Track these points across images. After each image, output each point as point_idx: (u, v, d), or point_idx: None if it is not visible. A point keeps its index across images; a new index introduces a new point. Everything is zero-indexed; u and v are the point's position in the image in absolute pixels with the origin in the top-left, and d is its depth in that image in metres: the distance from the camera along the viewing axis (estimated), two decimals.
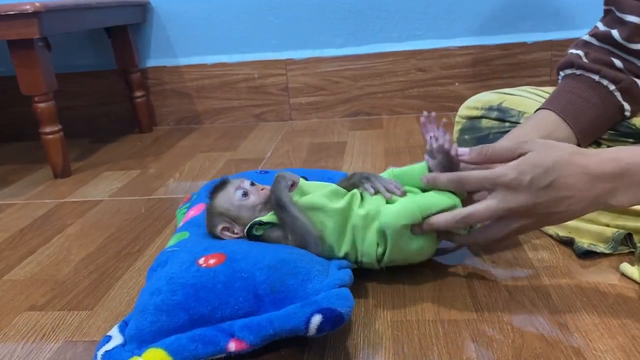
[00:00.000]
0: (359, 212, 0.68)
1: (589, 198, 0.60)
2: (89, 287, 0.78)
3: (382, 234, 0.67)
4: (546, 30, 1.62)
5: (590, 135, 0.85)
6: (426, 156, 0.70)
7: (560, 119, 0.83)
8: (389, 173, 0.75)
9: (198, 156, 1.44)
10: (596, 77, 0.84)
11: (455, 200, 0.67)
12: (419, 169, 0.70)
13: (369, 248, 0.69)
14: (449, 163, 0.68)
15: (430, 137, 0.68)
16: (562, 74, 0.90)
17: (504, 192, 0.62)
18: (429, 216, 0.66)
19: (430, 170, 0.70)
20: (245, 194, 0.71)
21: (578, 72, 0.87)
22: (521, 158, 0.61)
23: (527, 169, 0.60)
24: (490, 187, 0.63)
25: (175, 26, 1.74)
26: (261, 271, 0.60)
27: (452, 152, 0.67)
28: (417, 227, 0.67)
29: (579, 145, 0.84)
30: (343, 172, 1.00)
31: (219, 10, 1.70)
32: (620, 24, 0.83)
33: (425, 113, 0.69)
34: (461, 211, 0.65)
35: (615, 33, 0.83)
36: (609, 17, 0.86)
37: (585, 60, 0.86)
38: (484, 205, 0.63)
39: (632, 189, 0.58)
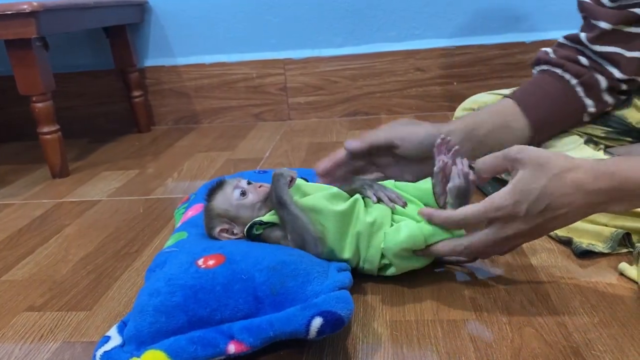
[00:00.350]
0: (365, 219, 0.68)
1: (584, 209, 0.60)
2: (88, 288, 0.78)
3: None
4: (544, 30, 1.62)
5: (546, 129, 0.86)
6: (438, 177, 0.71)
7: (519, 109, 0.84)
8: (390, 182, 0.75)
9: (196, 156, 1.44)
10: (559, 71, 0.86)
11: (459, 231, 0.67)
12: (424, 187, 0.73)
13: (372, 257, 0.69)
14: (466, 187, 0.67)
15: (441, 162, 0.69)
16: (534, 71, 0.93)
17: (501, 223, 0.63)
18: (432, 244, 0.67)
19: (434, 191, 0.71)
20: (243, 193, 0.71)
21: (545, 67, 0.89)
22: (513, 184, 0.61)
23: (521, 198, 0.60)
24: (488, 221, 0.63)
25: (173, 26, 1.73)
26: (261, 272, 0.59)
27: (471, 177, 0.67)
28: (420, 251, 0.68)
29: (533, 137, 0.84)
30: None
31: (217, 9, 1.70)
32: (592, 29, 0.85)
33: (442, 136, 0.70)
34: (461, 242, 0.66)
35: (582, 35, 0.86)
36: (584, 24, 0.88)
37: (552, 56, 0.89)
38: (483, 236, 0.64)
39: (626, 200, 0.59)
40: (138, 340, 0.55)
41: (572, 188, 0.59)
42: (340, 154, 0.78)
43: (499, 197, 0.61)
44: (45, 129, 1.29)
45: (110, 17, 1.56)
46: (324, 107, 1.75)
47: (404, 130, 0.77)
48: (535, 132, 0.84)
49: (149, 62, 1.76)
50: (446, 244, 0.66)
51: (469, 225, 0.64)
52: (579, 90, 0.85)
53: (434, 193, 0.72)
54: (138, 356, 0.54)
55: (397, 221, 0.70)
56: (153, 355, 0.53)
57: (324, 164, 0.77)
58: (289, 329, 0.54)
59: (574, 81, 0.85)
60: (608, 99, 0.86)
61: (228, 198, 0.71)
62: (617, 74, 0.84)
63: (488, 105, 0.91)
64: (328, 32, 1.69)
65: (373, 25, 1.67)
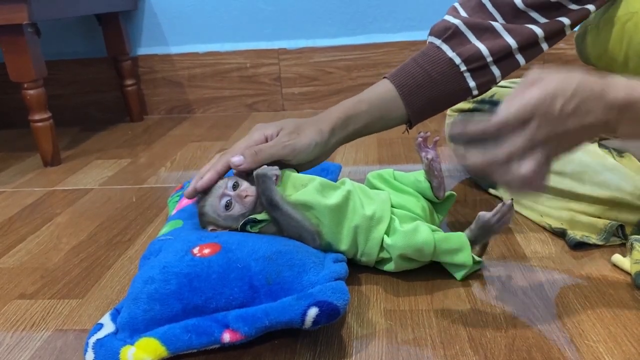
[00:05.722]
0: (364, 212, 0.68)
1: (600, 125, 0.56)
2: (80, 276, 0.77)
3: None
4: None
5: (424, 115, 0.84)
6: (428, 172, 0.73)
7: (400, 99, 0.81)
8: (389, 173, 0.75)
9: (189, 145, 1.43)
10: (451, 54, 0.81)
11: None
12: (421, 179, 0.74)
13: (370, 250, 0.69)
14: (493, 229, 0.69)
15: (426, 158, 0.71)
16: (429, 39, 0.85)
17: (534, 123, 0.54)
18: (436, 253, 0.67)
19: (432, 185, 0.73)
20: (228, 205, 0.68)
21: (438, 43, 0.83)
22: (546, 80, 0.55)
23: (557, 92, 0.54)
24: (521, 124, 0.55)
25: (166, 14, 1.72)
26: (257, 262, 0.59)
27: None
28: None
29: (410, 122, 0.83)
30: (337, 164, 1.00)
31: None
32: None
33: (421, 133, 0.72)
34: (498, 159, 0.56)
35: (518, 1, 0.79)
36: None
37: (458, 29, 0.81)
38: (511, 141, 0.54)
39: (634, 123, 0.56)
40: (132, 328, 0.55)
41: (595, 93, 0.54)
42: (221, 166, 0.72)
43: (537, 90, 0.54)
44: (37, 117, 1.27)
45: (103, 4, 1.54)
46: (318, 97, 1.74)
47: (295, 146, 0.73)
48: (412, 120, 0.83)
49: (142, 51, 1.75)
50: (479, 157, 0.56)
51: (510, 126, 0.55)
52: (467, 75, 0.81)
53: (432, 187, 0.73)
54: (131, 344, 0.53)
55: (396, 214, 0.70)
56: (147, 343, 0.53)
57: (207, 180, 0.71)
58: (285, 319, 0.54)
59: (463, 67, 0.80)
60: (496, 72, 0.81)
61: (215, 209, 0.68)
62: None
63: (369, 90, 0.84)
64: (323, 22, 1.68)
65: (369, 15, 1.66)
